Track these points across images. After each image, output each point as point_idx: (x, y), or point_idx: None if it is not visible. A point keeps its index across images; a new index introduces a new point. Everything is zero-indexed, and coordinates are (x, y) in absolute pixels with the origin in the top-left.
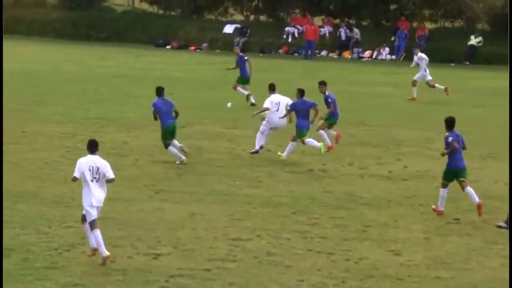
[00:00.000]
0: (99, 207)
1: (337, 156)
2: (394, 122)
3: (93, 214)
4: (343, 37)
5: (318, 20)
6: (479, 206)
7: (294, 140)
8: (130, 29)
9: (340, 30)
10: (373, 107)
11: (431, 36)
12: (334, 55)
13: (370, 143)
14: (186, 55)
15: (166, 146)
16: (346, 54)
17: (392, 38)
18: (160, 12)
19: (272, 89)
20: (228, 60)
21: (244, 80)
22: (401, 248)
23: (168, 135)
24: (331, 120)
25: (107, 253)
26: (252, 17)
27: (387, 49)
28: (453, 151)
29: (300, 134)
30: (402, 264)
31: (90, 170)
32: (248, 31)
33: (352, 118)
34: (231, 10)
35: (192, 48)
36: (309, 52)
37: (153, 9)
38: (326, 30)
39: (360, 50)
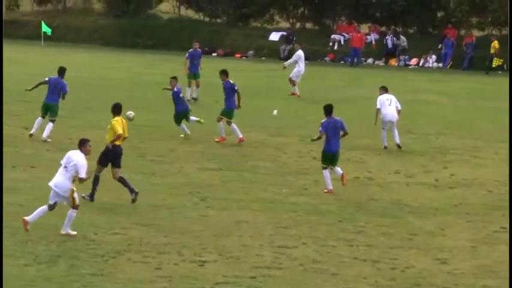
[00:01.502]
0: (56, 191)
1: (383, 164)
2: (440, 130)
3: (52, 196)
4: (390, 45)
5: (364, 28)
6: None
7: None
8: (176, 36)
9: (387, 37)
10: (419, 114)
11: (478, 43)
12: (380, 63)
13: (416, 151)
14: (232, 63)
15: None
16: (393, 62)
17: (440, 46)
18: (206, 19)
19: (385, 90)
20: (274, 68)
21: None
22: (448, 256)
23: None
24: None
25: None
26: (298, 25)
27: (434, 57)
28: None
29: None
30: (449, 273)
31: (67, 158)
32: (294, 38)
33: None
34: (277, 18)
35: (238, 55)
36: (355, 60)
37: (199, 16)
38: (372, 37)
39: (406, 57)
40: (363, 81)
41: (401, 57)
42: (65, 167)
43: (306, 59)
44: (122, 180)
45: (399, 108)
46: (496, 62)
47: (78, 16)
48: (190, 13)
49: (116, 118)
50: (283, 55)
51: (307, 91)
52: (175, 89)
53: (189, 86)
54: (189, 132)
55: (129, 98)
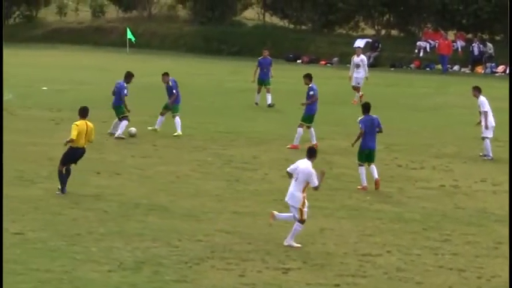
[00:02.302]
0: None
1: (469, 173)
2: None
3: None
4: (476, 52)
5: (450, 35)
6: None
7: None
8: (261, 43)
9: (473, 45)
10: (506, 122)
11: None
12: (466, 70)
13: (503, 159)
14: (317, 69)
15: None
16: (479, 69)
17: None
18: (291, 26)
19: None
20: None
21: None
22: None
23: None
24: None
25: None
26: (383, 32)
27: None
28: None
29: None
30: None
31: (295, 168)
32: (379, 45)
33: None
34: (362, 24)
35: (323, 62)
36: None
37: (284, 23)
38: (458, 44)
39: (493, 65)
40: (449, 89)
41: (488, 65)
42: (296, 178)
43: (392, 66)
44: (66, 173)
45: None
46: None
47: (163, 23)
48: (275, 20)
49: (78, 122)
50: (368, 62)
51: (393, 98)
52: (169, 84)
53: (259, 92)
54: (158, 129)
55: (212, 104)
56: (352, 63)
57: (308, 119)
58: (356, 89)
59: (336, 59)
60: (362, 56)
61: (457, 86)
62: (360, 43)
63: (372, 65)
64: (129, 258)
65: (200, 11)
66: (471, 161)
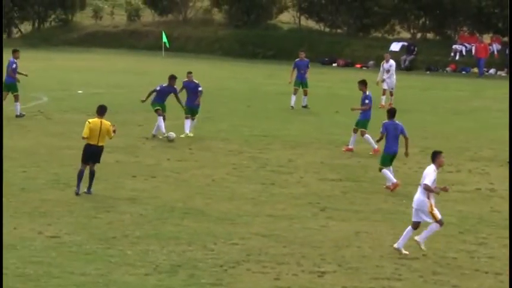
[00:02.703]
0: (414, 209)
1: (505, 176)
2: None
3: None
4: None
5: (486, 38)
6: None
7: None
8: (297, 46)
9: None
10: None
11: None
12: (502, 73)
13: None
14: (352, 73)
15: None
16: None
17: None
18: (326, 30)
19: None
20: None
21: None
22: None
23: None
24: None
25: None
26: (419, 35)
27: None
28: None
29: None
30: None
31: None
32: (415, 49)
33: None
34: (397, 28)
35: (358, 66)
36: (479, 70)
37: (319, 27)
38: (494, 47)
39: None
40: (485, 92)
41: None
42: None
43: (428, 69)
44: (91, 175)
45: None
46: None
47: (198, 26)
48: (311, 23)
49: (91, 120)
50: (404, 65)
51: (429, 102)
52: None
53: (295, 93)
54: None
55: (248, 108)
56: (381, 68)
57: (362, 124)
58: (390, 93)
59: (371, 62)
60: (391, 61)
61: (493, 89)
62: (395, 46)
63: (407, 69)
64: (165, 262)
65: (236, 15)
66: (507, 164)
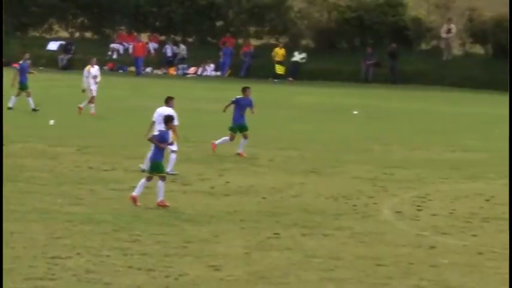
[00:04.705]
0: None
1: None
2: (217, 138)
3: None
4: (169, 53)
5: (143, 37)
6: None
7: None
8: None
9: (166, 46)
10: (197, 123)
11: (257, 52)
12: (159, 72)
13: (193, 159)
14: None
15: None
16: (172, 71)
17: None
18: None
19: None
20: (53, 77)
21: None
22: (222, 263)
23: None
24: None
25: None
26: (77, 34)
27: (212, 65)
28: None
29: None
30: (222, 280)
31: None
32: (73, 48)
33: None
34: (56, 27)
35: (16, 65)
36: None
37: None
38: (151, 46)
39: (185, 66)
40: (145, 91)
41: (180, 66)
42: None
43: None
44: None
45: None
46: (279, 70)
47: None
48: None
49: None
50: (62, 64)
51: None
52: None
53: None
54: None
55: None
56: (86, 73)
57: None
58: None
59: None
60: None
61: (151, 88)
62: (53, 46)
63: (65, 68)
64: None
65: None
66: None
